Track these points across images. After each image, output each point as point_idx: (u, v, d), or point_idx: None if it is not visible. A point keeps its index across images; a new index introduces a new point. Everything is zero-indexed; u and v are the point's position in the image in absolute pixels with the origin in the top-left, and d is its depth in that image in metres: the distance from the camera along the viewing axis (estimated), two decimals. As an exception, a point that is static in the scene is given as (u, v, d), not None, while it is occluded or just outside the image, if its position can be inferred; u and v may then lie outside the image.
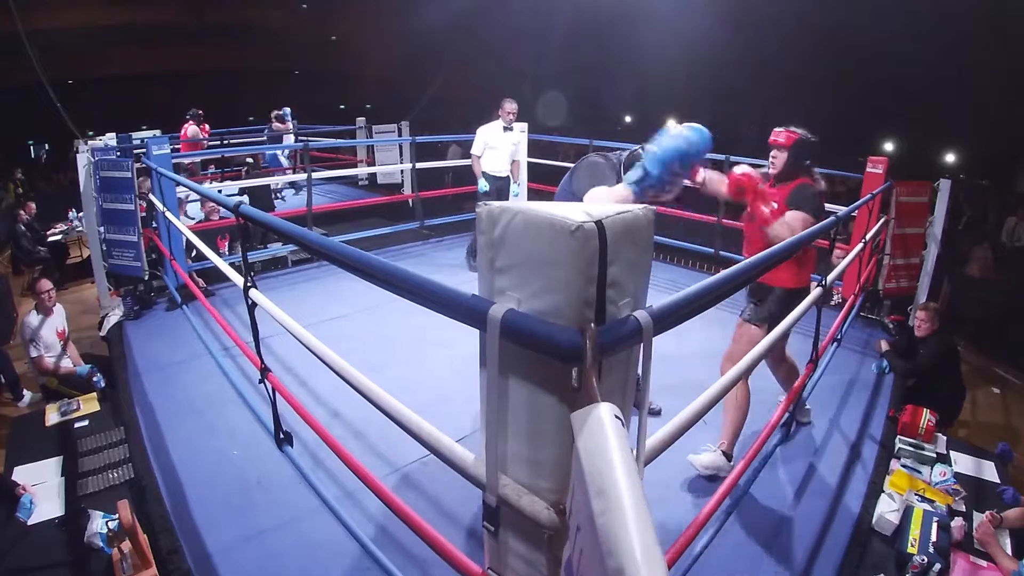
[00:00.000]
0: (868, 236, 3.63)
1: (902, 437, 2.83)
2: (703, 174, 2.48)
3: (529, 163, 5.76)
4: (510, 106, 4.85)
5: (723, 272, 1.26)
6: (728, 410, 2.42)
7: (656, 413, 2.68)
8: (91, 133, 7.55)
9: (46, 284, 3.88)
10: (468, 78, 14.33)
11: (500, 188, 5.06)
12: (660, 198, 2.25)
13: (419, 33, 12.65)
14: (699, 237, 5.14)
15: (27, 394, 4.06)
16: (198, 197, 5.88)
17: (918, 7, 8.60)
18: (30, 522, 2.22)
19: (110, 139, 5.90)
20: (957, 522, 2.28)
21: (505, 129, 4.91)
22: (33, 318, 3.76)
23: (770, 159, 2.48)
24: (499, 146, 4.95)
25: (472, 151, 5.03)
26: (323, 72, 17.32)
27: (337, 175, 8.59)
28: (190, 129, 7.83)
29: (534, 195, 5.84)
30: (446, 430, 1.21)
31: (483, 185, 4.99)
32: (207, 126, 8.14)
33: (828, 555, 2.11)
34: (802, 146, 2.42)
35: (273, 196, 7.22)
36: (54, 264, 7.01)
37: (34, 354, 3.74)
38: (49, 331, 3.82)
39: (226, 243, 5.40)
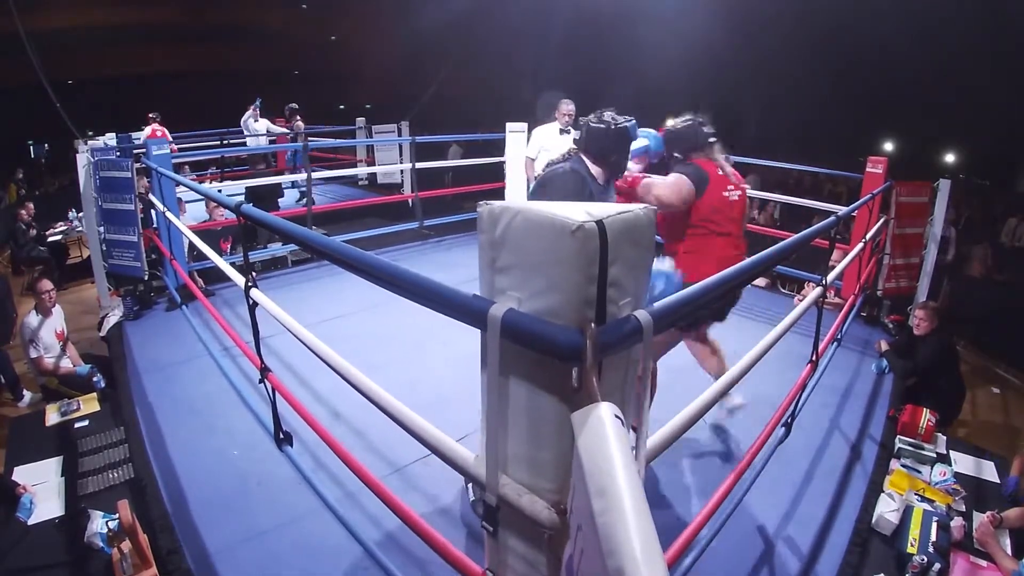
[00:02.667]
0: (868, 236, 3.63)
1: (902, 437, 2.83)
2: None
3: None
4: (567, 107, 4.64)
5: (722, 272, 1.26)
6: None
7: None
8: (91, 133, 7.55)
9: (47, 284, 3.88)
10: (468, 78, 14.33)
11: None
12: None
13: (419, 33, 12.66)
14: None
15: (27, 394, 4.06)
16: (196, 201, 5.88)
17: (918, 7, 8.60)
18: (30, 522, 2.22)
19: (110, 139, 5.90)
20: (957, 522, 2.28)
21: (562, 132, 4.68)
22: (32, 319, 3.76)
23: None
24: (555, 149, 4.60)
25: (526, 153, 4.83)
26: (323, 72, 17.32)
27: (337, 175, 8.59)
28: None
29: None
30: (446, 430, 1.21)
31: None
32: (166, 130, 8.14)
33: (828, 555, 2.11)
34: (671, 139, 2.34)
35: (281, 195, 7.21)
36: (54, 264, 7.00)
37: (33, 355, 3.74)
38: (48, 332, 3.82)
39: (228, 245, 5.40)
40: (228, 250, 5.29)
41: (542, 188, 2.12)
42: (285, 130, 8.25)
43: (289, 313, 1.88)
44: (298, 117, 8.26)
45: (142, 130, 8.68)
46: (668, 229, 2.34)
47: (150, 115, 8.25)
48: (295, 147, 7.55)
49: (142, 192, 4.18)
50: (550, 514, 0.93)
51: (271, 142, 8.22)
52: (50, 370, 3.78)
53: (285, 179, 7.20)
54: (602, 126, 2.12)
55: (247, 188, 6.48)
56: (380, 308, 3.90)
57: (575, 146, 2.19)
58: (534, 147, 4.77)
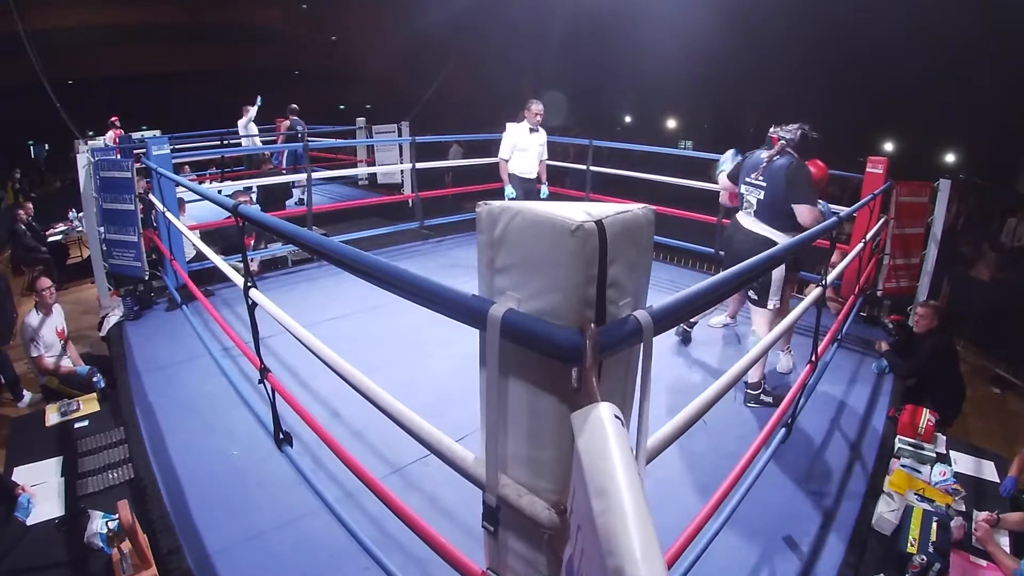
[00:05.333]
0: (868, 236, 3.63)
1: (902, 437, 2.83)
2: None
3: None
4: (536, 107, 4.75)
5: (723, 272, 1.26)
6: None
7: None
8: (91, 133, 7.55)
9: (46, 282, 3.89)
10: (468, 78, 14.33)
11: (529, 191, 4.89)
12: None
13: (419, 33, 12.65)
14: (699, 237, 5.12)
15: (27, 394, 4.06)
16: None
17: (918, 7, 8.60)
18: (29, 522, 2.22)
19: (109, 139, 5.90)
20: (957, 522, 2.28)
21: (531, 130, 4.79)
22: (33, 317, 3.77)
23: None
24: (528, 147, 4.81)
25: (500, 155, 4.87)
26: (323, 72, 17.33)
27: (337, 175, 8.57)
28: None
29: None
30: (446, 430, 1.21)
31: (510, 192, 4.82)
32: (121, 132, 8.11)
33: (828, 555, 2.11)
34: (805, 144, 2.95)
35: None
36: (54, 264, 7.00)
37: (34, 353, 3.74)
38: (49, 330, 3.82)
39: (251, 240, 5.34)
40: (251, 245, 5.22)
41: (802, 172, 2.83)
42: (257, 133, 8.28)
43: (289, 313, 1.88)
44: (289, 118, 8.26)
45: (142, 130, 8.68)
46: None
47: (110, 120, 8.24)
48: (295, 147, 7.54)
49: (141, 192, 4.18)
50: (550, 514, 0.93)
51: (271, 142, 8.23)
52: (50, 369, 3.78)
53: (291, 179, 7.18)
54: (814, 135, 2.93)
55: (258, 187, 6.48)
56: (380, 309, 3.90)
57: (786, 144, 2.89)
58: (507, 148, 4.82)
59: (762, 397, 3.05)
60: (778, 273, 2.85)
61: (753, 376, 3.05)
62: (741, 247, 2.85)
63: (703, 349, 3.69)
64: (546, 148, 5.04)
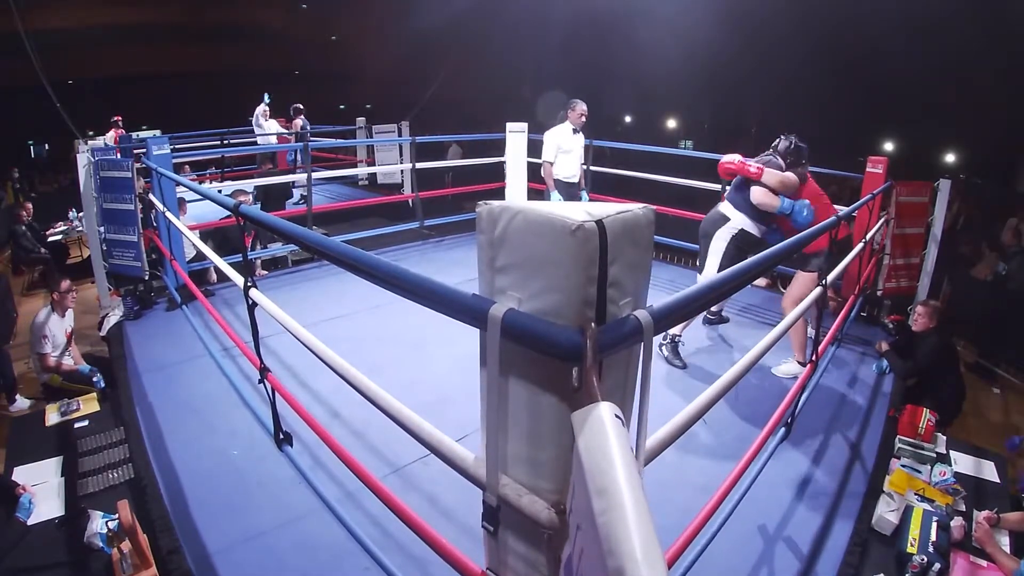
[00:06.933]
0: (868, 236, 3.63)
1: (902, 437, 2.83)
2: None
3: (530, 163, 5.72)
4: (581, 107, 4.58)
5: (723, 272, 1.27)
6: (793, 333, 3.24)
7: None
8: (91, 133, 7.56)
9: (68, 284, 3.88)
10: (468, 78, 14.34)
11: (572, 197, 4.68)
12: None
13: (419, 33, 12.65)
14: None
15: (18, 399, 4.01)
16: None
17: (918, 7, 8.60)
18: (30, 522, 2.22)
19: (110, 139, 5.89)
20: (957, 522, 2.28)
21: (575, 131, 4.63)
22: (44, 316, 3.76)
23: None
24: (572, 149, 4.63)
25: (544, 157, 4.66)
26: (323, 72, 17.33)
27: (337, 175, 8.56)
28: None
29: (535, 196, 5.78)
30: (446, 430, 1.21)
31: (556, 198, 4.57)
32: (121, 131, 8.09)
33: (828, 555, 2.11)
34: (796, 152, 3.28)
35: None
36: (54, 264, 7.00)
37: (42, 351, 3.73)
38: (59, 330, 3.83)
39: (251, 239, 5.34)
40: (249, 244, 5.20)
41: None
42: (284, 129, 8.24)
43: (289, 313, 1.88)
44: (301, 116, 8.26)
45: (142, 130, 8.65)
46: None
47: (113, 119, 8.21)
48: (296, 147, 7.53)
49: (141, 192, 4.18)
50: (550, 514, 0.93)
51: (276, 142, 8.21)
52: (53, 367, 3.78)
53: (291, 179, 7.17)
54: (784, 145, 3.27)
55: (257, 187, 6.47)
56: (380, 308, 3.90)
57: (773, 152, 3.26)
58: (551, 151, 4.62)
59: (662, 348, 3.38)
60: (717, 244, 3.26)
61: (673, 328, 3.32)
62: (705, 219, 3.38)
63: (703, 349, 3.69)
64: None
